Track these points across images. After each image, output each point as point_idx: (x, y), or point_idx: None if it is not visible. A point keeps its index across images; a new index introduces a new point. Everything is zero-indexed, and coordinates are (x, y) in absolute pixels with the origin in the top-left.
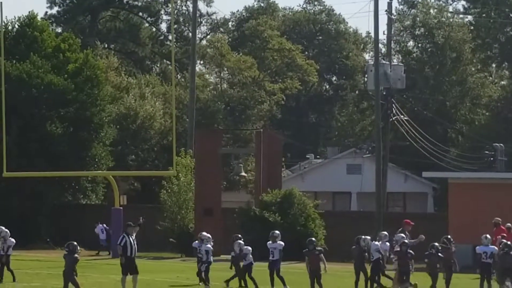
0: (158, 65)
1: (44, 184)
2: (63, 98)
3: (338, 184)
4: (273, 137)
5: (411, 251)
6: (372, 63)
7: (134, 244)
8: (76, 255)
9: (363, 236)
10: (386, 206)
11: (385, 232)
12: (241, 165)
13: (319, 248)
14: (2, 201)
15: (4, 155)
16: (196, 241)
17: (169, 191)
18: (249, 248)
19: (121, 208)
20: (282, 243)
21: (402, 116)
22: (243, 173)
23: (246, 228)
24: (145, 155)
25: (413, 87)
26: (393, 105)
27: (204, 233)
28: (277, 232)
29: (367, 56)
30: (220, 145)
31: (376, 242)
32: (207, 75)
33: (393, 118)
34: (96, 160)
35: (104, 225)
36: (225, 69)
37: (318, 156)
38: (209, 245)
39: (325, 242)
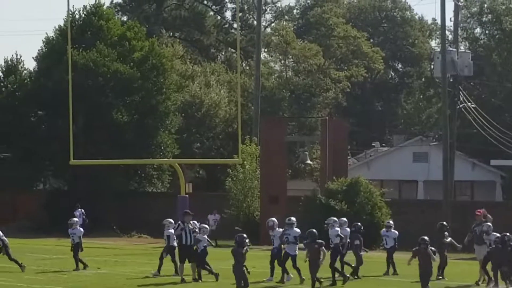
0: (223, 53)
1: (110, 171)
2: (129, 86)
3: (404, 172)
4: (339, 124)
5: (432, 248)
6: (439, 50)
7: (190, 232)
8: (245, 247)
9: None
10: (453, 195)
11: (344, 219)
12: (307, 153)
13: (319, 241)
14: (69, 188)
15: (71, 143)
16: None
17: (235, 179)
18: (205, 236)
19: (187, 196)
20: (281, 230)
21: (469, 104)
22: (308, 161)
23: (312, 216)
24: (210, 143)
25: (480, 74)
26: (460, 92)
27: (168, 219)
28: (273, 219)
29: (433, 43)
30: (285, 133)
31: (337, 228)
32: (272, 63)
33: (460, 106)
34: (162, 148)
35: (83, 210)
36: (290, 56)
37: (383, 144)
38: (171, 230)
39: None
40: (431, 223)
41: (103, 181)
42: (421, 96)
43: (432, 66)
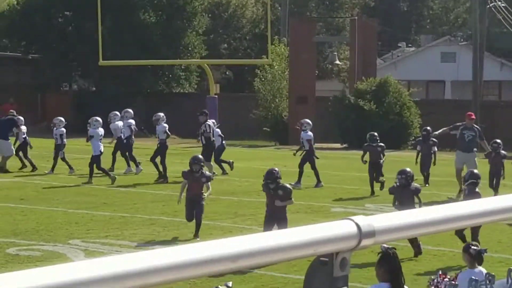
0: None
1: (138, 73)
2: None
3: (431, 73)
4: (367, 24)
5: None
6: None
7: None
8: None
9: None
10: (481, 95)
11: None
12: (335, 53)
13: (380, 144)
14: (98, 90)
15: (100, 44)
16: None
17: (263, 79)
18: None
19: (216, 96)
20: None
21: (499, 3)
22: (337, 61)
23: (341, 117)
24: (237, 44)
25: None
26: None
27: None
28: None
29: None
30: (314, 33)
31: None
32: None
33: (490, 5)
34: (190, 48)
35: None
36: None
37: (410, 45)
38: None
39: (420, 131)
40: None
41: (131, 82)
42: None
43: None
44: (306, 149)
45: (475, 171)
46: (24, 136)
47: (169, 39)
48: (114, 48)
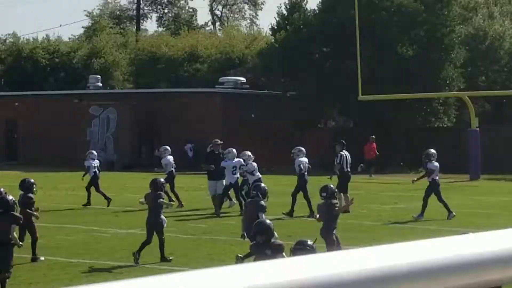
0: None
1: (396, 107)
2: (413, 20)
3: None
4: None
5: None
6: None
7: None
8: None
9: None
10: None
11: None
12: None
13: None
14: (355, 125)
15: (359, 78)
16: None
17: None
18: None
19: (478, 129)
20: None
21: None
22: None
23: None
24: (495, 76)
25: None
26: None
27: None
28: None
29: None
30: None
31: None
32: None
33: None
34: (447, 82)
35: (192, 144)
36: None
37: None
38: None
39: None
40: None
41: (388, 117)
42: None
43: None
44: (430, 180)
45: None
46: (94, 170)
47: (426, 72)
48: (371, 83)
